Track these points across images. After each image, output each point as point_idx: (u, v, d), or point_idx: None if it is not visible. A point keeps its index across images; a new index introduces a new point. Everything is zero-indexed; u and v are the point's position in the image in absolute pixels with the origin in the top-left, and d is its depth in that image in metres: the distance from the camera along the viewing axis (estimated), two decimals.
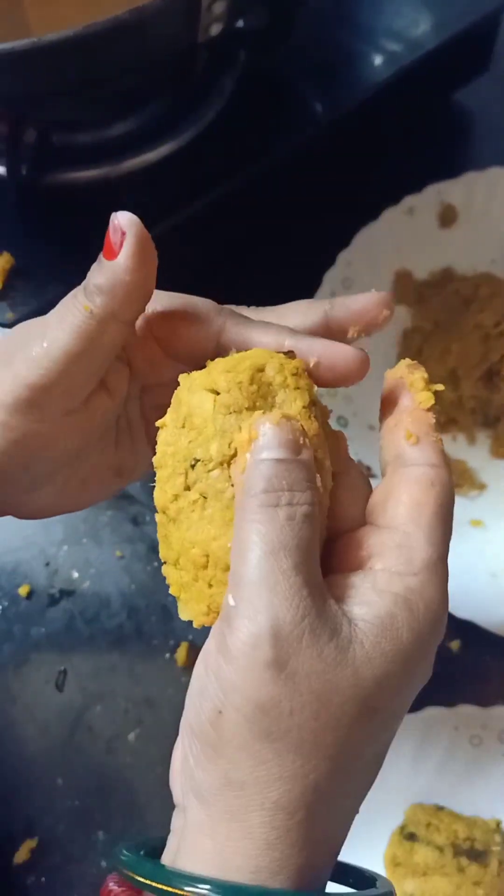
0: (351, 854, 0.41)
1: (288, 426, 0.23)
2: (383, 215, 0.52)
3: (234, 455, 0.25)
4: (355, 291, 0.52)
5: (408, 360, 0.28)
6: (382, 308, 0.28)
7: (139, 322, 0.28)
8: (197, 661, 0.24)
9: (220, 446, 0.25)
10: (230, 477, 0.25)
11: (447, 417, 0.49)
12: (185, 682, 0.46)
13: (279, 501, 0.22)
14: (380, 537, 0.24)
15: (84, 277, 0.45)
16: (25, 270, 0.44)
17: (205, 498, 0.25)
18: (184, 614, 0.26)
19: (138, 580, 0.48)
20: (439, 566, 0.23)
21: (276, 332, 0.27)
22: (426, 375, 0.28)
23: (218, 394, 0.25)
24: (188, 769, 0.23)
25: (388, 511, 0.24)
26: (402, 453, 0.25)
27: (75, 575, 0.49)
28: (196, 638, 0.47)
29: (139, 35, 0.31)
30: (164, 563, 0.26)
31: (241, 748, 0.22)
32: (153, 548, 0.49)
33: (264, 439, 0.23)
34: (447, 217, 0.53)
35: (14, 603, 0.48)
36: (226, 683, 0.22)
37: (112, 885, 0.24)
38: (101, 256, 0.26)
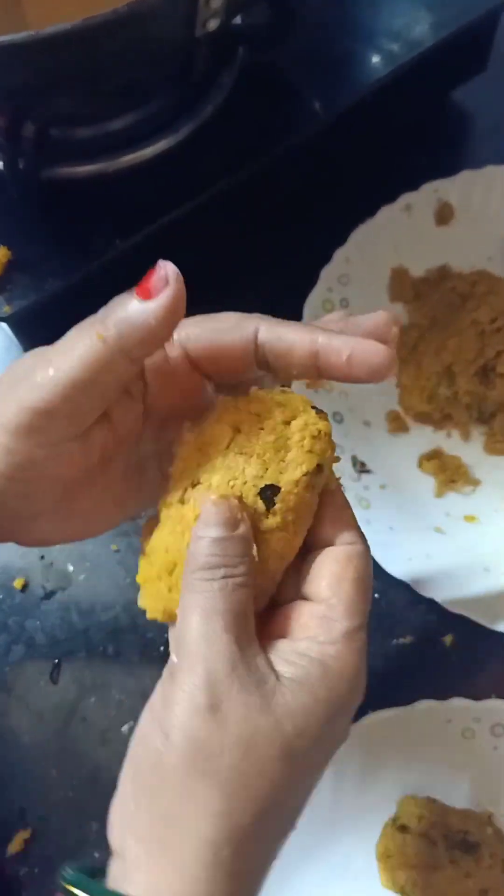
0: (344, 847, 0.42)
1: (225, 505, 0.26)
2: (380, 213, 0.52)
3: (230, 490, 0.27)
4: (352, 288, 0.52)
5: None
6: (391, 326, 0.29)
7: (174, 352, 0.29)
8: (142, 714, 0.27)
9: (222, 481, 0.27)
10: None
11: (442, 414, 0.49)
12: None
13: (215, 576, 0.26)
14: (308, 609, 0.27)
15: (81, 272, 0.45)
16: (23, 264, 0.44)
17: (194, 515, 0.27)
18: (141, 601, 0.29)
19: (133, 573, 0.48)
20: (356, 635, 0.26)
21: (308, 331, 0.28)
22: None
23: (239, 432, 0.27)
24: (128, 815, 0.26)
25: (313, 586, 0.27)
26: (323, 536, 0.28)
27: (70, 568, 0.49)
28: None
29: (137, 29, 0.31)
30: (142, 553, 0.29)
31: (177, 785, 0.24)
32: None
33: (204, 517, 0.26)
34: (444, 215, 0.54)
35: (9, 596, 0.48)
36: (167, 726, 0.25)
37: None
38: (133, 293, 0.26)
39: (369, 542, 0.45)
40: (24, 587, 0.48)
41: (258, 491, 0.27)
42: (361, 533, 0.28)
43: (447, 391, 0.48)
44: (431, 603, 0.45)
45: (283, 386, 0.30)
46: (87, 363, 0.26)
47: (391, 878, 0.40)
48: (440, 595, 0.44)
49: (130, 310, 0.26)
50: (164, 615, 0.28)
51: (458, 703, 0.42)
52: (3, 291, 0.44)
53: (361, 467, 0.48)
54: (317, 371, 0.28)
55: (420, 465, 0.49)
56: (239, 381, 0.30)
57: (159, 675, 0.46)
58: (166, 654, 0.46)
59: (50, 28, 0.30)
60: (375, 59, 0.50)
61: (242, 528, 0.26)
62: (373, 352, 0.27)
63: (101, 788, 0.44)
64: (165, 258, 0.54)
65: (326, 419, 0.28)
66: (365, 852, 0.41)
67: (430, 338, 0.50)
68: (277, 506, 0.27)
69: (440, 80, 0.56)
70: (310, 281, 0.51)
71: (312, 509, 0.28)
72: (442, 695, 0.43)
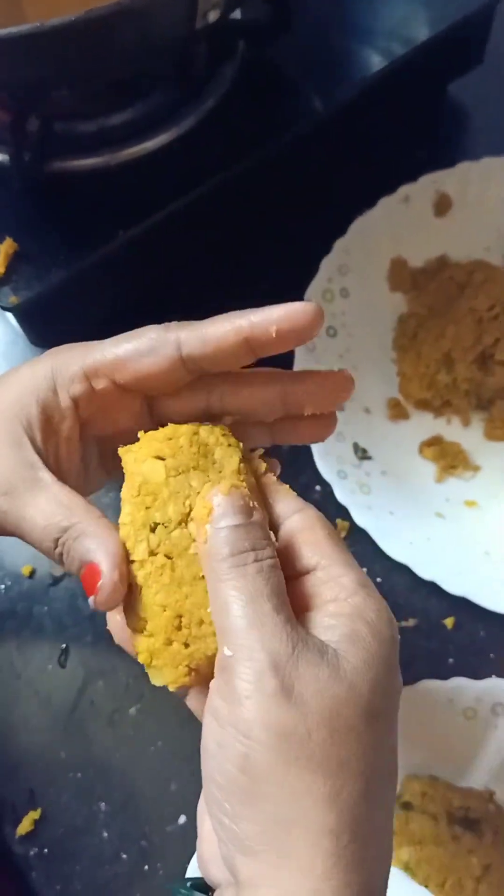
0: None
1: (237, 494, 0.26)
2: (379, 204, 0.53)
3: (190, 512, 0.27)
4: (351, 278, 0.53)
5: None
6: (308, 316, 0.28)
7: (101, 384, 0.30)
8: (204, 723, 0.25)
9: (177, 506, 0.27)
10: (191, 535, 0.27)
11: (442, 400, 0.50)
12: None
13: (246, 560, 0.25)
14: (308, 581, 0.26)
15: (84, 263, 0.46)
16: (28, 255, 0.45)
17: (170, 559, 0.27)
18: (157, 680, 0.26)
19: None
20: (363, 578, 0.26)
21: (229, 321, 0.28)
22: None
23: (164, 459, 0.27)
24: (226, 833, 0.24)
25: (296, 562, 0.26)
26: (274, 515, 0.28)
27: None
28: None
29: (139, 21, 0.32)
30: (133, 632, 0.27)
31: (274, 783, 0.23)
32: None
33: (219, 510, 0.26)
34: (442, 206, 0.54)
35: (17, 582, 0.49)
36: (243, 725, 0.23)
37: None
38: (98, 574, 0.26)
39: (370, 528, 0.46)
40: (32, 574, 0.49)
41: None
42: (300, 499, 0.28)
43: (446, 378, 0.49)
44: (432, 587, 0.46)
45: None
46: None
47: (395, 855, 0.40)
48: (441, 578, 0.45)
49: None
50: (192, 676, 0.26)
51: (459, 682, 0.43)
52: (9, 282, 0.44)
53: (362, 454, 0.49)
54: (252, 354, 0.28)
55: (420, 451, 0.50)
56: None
57: None
58: None
59: (54, 20, 0.31)
60: (373, 53, 0.51)
61: (257, 515, 0.26)
62: (299, 311, 0.27)
63: (108, 769, 0.45)
64: (167, 249, 0.55)
65: (218, 424, 0.29)
66: None
67: (429, 326, 0.51)
68: None
69: (437, 74, 0.57)
70: (310, 271, 0.52)
71: (258, 492, 0.28)
72: (444, 676, 0.43)
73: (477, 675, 0.43)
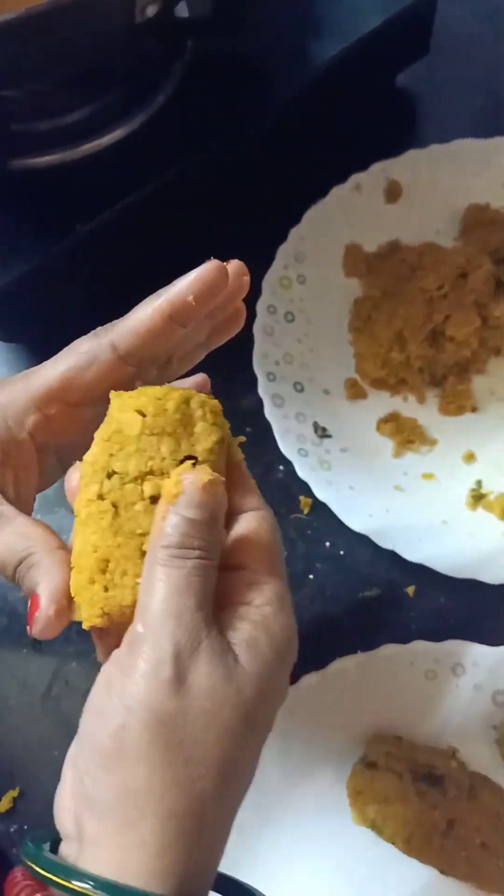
0: (317, 788, 0.43)
1: (212, 490, 0.27)
2: (332, 192, 0.55)
3: (150, 473, 0.27)
4: (307, 265, 0.55)
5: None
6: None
7: (52, 409, 0.32)
8: (96, 685, 0.27)
9: (138, 463, 0.28)
10: (142, 493, 0.27)
11: (397, 379, 0.52)
12: None
13: (189, 555, 0.26)
14: (235, 577, 0.28)
15: (44, 256, 0.47)
16: None
17: (115, 507, 0.27)
18: (76, 614, 0.28)
19: None
20: (284, 593, 0.28)
21: (147, 304, 0.30)
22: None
23: (145, 416, 0.28)
24: (82, 792, 0.26)
25: (233, 557, 0.28)
26: (233, 505, 0.29)
27: None
28: None
29: (79, 16, 0.34)
30: (70, 565, 0.28)
31: (139, 759, 0.24)
32: None
33: (186, 497, 0.26)
34: (393, 192, 0.56)
35: None
36: (129, 700, 0.25)
37: (18, 875, 0.26)
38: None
39: (331, 502, 0.48)
40: None
41: (178, 464, 0.28)
42: (264, 500, 0.30)
43: (399, 356, 0.51)
44: (394, 558, 0.47)
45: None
46: None
47: (361, 814, 0.42)
48: (400, 546, 0.46)
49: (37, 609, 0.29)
50: (104, 618, 0.27)
51: (419, 645, 0.44)
52: None
53: (322, 432, 0.51)
54: (181, 326, 0.30)
55: (378, 428, 0.51)
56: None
57: None
58: None
59: None
60: (322, 45, 0.52)
61: (220, 515, 0.27)
62: (206, 273, 0.30)
63: None
64: (124, 241, 0.56)
65: (213, 398, 0.30)
66: (337, 793, 0.43)
67: (383, 307, 0.52)
68: None
69: (385, 64, 0.59)
70: (267, 259, 0.54)
71: (224, 477, 0.29)
72: (406, 641, 0.45)
73: (438, 639, 0.45)
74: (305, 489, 0.49)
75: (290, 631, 0.27)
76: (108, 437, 0.28)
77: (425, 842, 0.41)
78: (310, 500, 0.50)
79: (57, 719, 0.47)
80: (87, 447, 0.30)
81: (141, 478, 0.28)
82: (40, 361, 0.57)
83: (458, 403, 0.51)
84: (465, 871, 0.41)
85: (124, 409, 0.28)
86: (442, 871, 0.41)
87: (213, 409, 0.29)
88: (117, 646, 0.27)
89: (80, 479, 0.29)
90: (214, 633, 0.26)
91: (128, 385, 0.32)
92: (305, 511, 0.50)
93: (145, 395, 0.29)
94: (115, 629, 0.28)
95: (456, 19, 0.63)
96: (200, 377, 0.34)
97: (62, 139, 0.48)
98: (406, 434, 0.51)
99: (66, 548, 0.30)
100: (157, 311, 0.30)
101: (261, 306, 0.52)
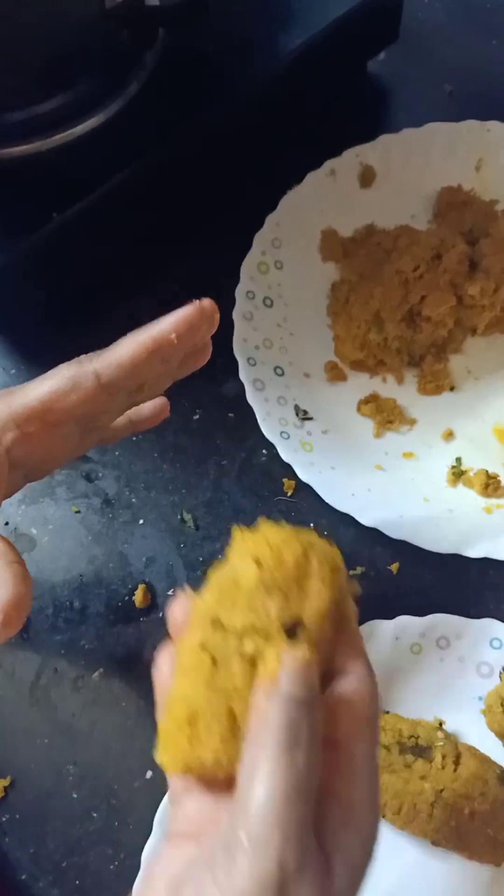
0: None
1: (310, 671, 0.25)
2: (307, 179, 0.56)
3: (254, 629, 0.26)
4: (284, 251, 0.55)
5: None
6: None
7: (31, 427, 0.33)
8: (166, 875, 0.25)
9: (244, 619, 0.26)
10: (241, 650, 0.26)
11: (376, 360, 0.52)
12: (144, 622, 0.48)
13: (299, 746, 0.24)
14: (327, 761, 0.25)
15: (22, 246, 0.47)
16: None
17: (213, 661, 0.26)
18: (160, 755, 0.27)
19: (95, 531, 0.51)
20: (377, 785, 0.26)
21: (132, 340, 0.32)
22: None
23: (261, 566, 0.27)
24: None
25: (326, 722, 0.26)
26: (335, 664, 0.27)
27: (34, 531, 0.51)
28: (152, 580, 0.49)
29: (47, 1, 0.34)
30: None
31: None
32: (107, 501, 0.51)
33: (289, 678, 0.24)
34: (367, 177, 0.57)
35: None
36: None
37: None
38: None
39: (314, 482, 0.48)
40: None
41: (283, 628, 0.26)
42: (369, 663, 0.28)
43: (377, 337, 0.51)
44: (377, 537, 0.48)
45: None
46: None
47: None
48: (383, 524, 0.47)
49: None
50: (185, 770, 0.26)
51: (404, 620, 0.45)
52: None
53: (304, 415, 0.51)
54: (164, 362, 0.32)
55: (358, 409, 0.52)
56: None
57: (124, 624, 0.48)
58: (130, 603, 0.49)
59: None
60: (293, 32, 0.53)
61: (318, 702, 0.25)
62: (190, 315, 0.32)
63: (75, 733, 0.46)
64: (102, 229, 0.56)
65: (335, 547, 0.29)
66: None
67: (360, 290, 0.53)
68: (300, 638, 0.26)
69: (355, 50, 0.59)
70: (245, 246, 0.54)
71: (329, 639, 0.27)
72: (391, 617, 0.45)
73: (422, 614, 0.46)
74: (289, 471, 0.49)
75: (378, 830, 0.26)
76: (223, 585, 0.27)
77: (415, 812, 0.41)
78: (293, 483, 0.51)
79: (46, 708, 0.47)
80: (58, 465, 0.31)
81: (244, 634, 0.26)
82: (21, 353, 0.57)
83: (436, 383, 0.52)
84: (454, 841, 0.42)
85: (243, 555, 0.27)
86: (433, 842, 0.42)
87: (331, 567, 0.28)
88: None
89: (181, 611, 0.29)
90: (318, 852, 0.24)
91: (104, 407, 0.33)
92: (289, 493, 0.51)
93: (266, 542, 0.27)
94: (195, 782, 0.27)
95: (425, 6, 0.64)
96: (160, 401, 0.36)
97: (37, 128, 0.48)
98: (386, 414, 0.51)
99: (22, 562, 0.31)
100: (142, 347, 0.32)
101: (240, 292, 0.53)
